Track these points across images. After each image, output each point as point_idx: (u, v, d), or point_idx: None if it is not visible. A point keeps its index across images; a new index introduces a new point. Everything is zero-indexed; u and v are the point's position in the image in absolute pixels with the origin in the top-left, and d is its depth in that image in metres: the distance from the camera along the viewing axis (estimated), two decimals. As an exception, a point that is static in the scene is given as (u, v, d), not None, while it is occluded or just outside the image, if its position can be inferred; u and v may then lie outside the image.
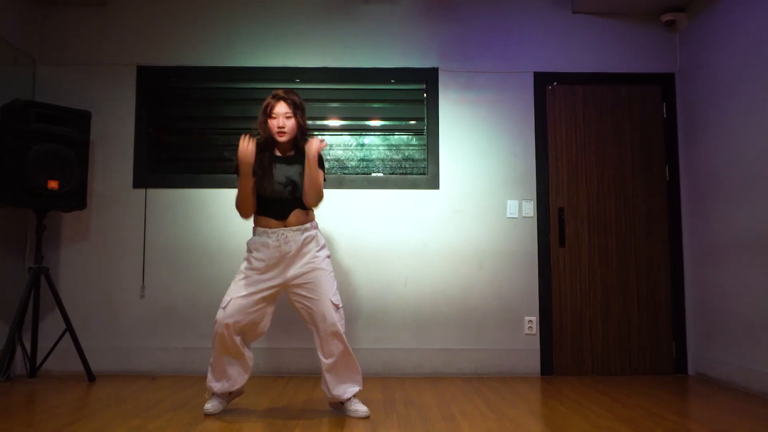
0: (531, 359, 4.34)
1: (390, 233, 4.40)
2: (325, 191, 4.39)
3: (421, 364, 4.30)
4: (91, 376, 4.02)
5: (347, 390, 3.06)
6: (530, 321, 4.37)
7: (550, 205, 4.45)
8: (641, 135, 4.52)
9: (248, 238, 3.18)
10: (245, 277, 3.01)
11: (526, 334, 4.36)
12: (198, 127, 4.53)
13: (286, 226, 3.00)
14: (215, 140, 4.51)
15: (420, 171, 4.48)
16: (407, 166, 4.49)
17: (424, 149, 4.49)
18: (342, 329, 2.98)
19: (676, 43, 4.59)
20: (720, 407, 3.34)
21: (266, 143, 3.08)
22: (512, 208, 4.43)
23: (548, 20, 4.59)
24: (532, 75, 4.54)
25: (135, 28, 4.54)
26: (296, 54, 4.55)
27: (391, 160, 4.49)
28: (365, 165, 4.50)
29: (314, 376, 4.23)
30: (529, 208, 4.43)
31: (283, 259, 2.98)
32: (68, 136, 3.98)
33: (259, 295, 2.99)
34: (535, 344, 4.35)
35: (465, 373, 4.30)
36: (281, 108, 3.01)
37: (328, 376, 3.04)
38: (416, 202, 4.42)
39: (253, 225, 3.09)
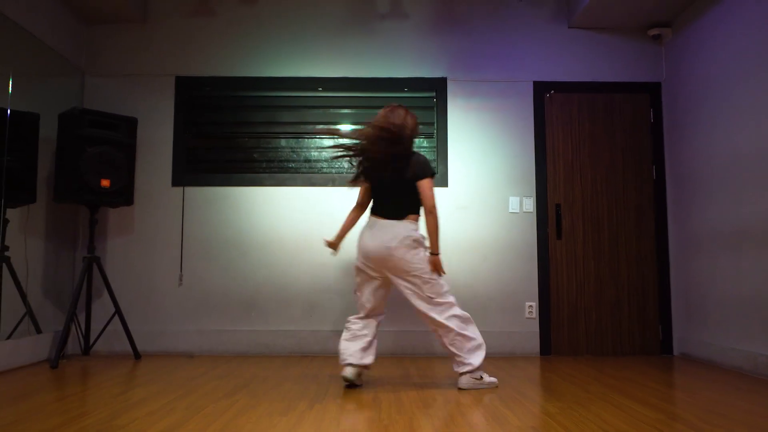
0: (531, 341, 4.81)
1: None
2: (343, 189, 4.88)
3: (432, 344, 4.76)
4: (137, 354, 4.50)
5: None
6: (530, 306, 4.83)
7: (548, 202, 4.92)
8: (631, 138, 4.99)
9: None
10: None
11: (527, 318, 4.83)
12: (230, 131, 5.01)
13: None
14: (245, 143, 4.99)
15: (430, 171, 4.95)
16: (419, 166, 4.96)
17: (434, 151, 4.96)
18: None
19: (662, 54, 5.06)
20: (694, 378, 3.80)
21: None
22: (514, 204, 4.90)
23: (546, 34, 5.07)
24: (531, 84, 5.02)
25: (173, 42, 5.03)
26: (318, 65, 5.03)
27: (404, 161, 4.96)
28: (381, 165, 4.96)
29: (334, 356, 4.71)
30: (529, 204, 4.90)
31: None
32: (118, 140, 4.46)
33: None
34: (535, 327, 4.82)
35: (471, 353, 4.76)
36: None
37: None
38: (427, 199, 4.89)
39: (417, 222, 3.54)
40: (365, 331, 3.50)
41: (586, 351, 4.82)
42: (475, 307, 4.81)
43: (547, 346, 4.81)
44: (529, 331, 4.82)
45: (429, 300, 3.40)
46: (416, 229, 3.46)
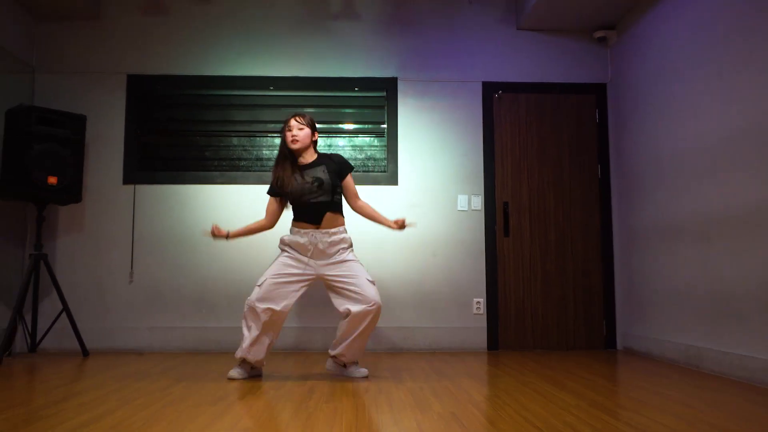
0: (479, 336, 4.89)
1: (353, 225, 4.91)
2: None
3: (381, 340, 4.83)
4: (85, 352, 4.51)
5: (355, 355, 3.60)
6: (478, 302, 4.92)
7: (496, 200, 5.02)
8: (577, 138, 5.10)
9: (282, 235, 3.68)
10: (280, 263, 3.54)
11: (475, 314, 4.91)
12: (181, 129, 5.04)
13: (318, 229, 3.54)
14: (197, 141, 5.03)
15: (381, 169, 5.03)
16: (369, 164, 5.04)
17: (384, 149, 5.04)
18: (379, 300, 3.50)
19: (608, 57, 5.20)
20: (628, 370, 3.91)
21: (285, 156, 3.64)
22: (462, 202, 4.98)
23: (495, 36, 5.17)
24: (480, 84, 5.12)
25: (125, 40, 5.05)
26: (270, 64, 5.08)
27: (355, 159, 5.03)
28: (332, 164, 5.03)
29: (284, 351, 4.75)
30: (478, 202, 4.99)
31: (313, 254, 3.53)
32: (66, 137, 4.47)
33: (291, 279, 3.52)
34: (483, 323, 4.91)
35: (420, 348, 4.84)
36: (294, 122, 3.61)
37: (347, 342, 3.52)
38: (377, 197, 4.96)
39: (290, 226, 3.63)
40: None
41: (532, 346, 4.92)
42: (425, 304, 4.89)
43: (494, 342, 4.89)
44: (477, 327, 4.90)
45: None
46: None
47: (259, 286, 3.47)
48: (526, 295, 4.96)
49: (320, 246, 3.51)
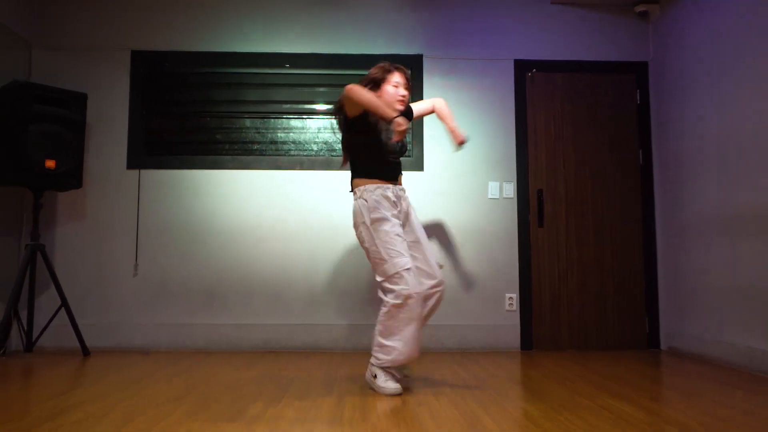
0: (511, 334, 4.53)
1: (376, 214, 4.55)
2: (315, 173, 4.56)
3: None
4: (85, 351, 4.15)
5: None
6: (511, 298, 4.55)
7: (529, 187, 4.63)
8: (616, 120, 4.71)
9: (361, 195, 3.07)
10: (392, 231, 2.97)
11: (507, 311, 4.55)
12: (190, 110, 4.65)
13: (395, 185, 3.14)
14: (207, 123, 4.64)
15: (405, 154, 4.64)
16: (393, 149, 4.65)
17: (409, 132, 4.65)
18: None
19: (649, 32, 4.79)
20: (687, 375, 3.55)
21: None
22: (493, 189, 4.60)
23: (528, 10, 4.77)
24: (512, 62, 4.72)
25: (130, 14, 4.65)
26: (286, 40, 4.69)
27: (378, 143, 4.64)
28: (352, 148, 4.64)
29: (300, 351, 4.39)
30: (510, 190, 4.61)
31: (399, 213, 3.10)
32: (65, 117, 4.09)
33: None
34: (516, 320, 4.54)
35: (448, 348, 4.47)
36: (401, 78, 3.14)
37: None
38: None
39: (358, 183, 3.10)
40: None
41: (569, 345, 4.55)
42: (453, 299, 4.52)
43: (528, 341, 4.53)
44: (510, 325, 4.54)
45: (378, 284, 3.01)
46: (358, 197, 3.08)
47: (407, 269, 2.88)
48: (561, 289, 4.59)
49: (402, 202, 3.14)
